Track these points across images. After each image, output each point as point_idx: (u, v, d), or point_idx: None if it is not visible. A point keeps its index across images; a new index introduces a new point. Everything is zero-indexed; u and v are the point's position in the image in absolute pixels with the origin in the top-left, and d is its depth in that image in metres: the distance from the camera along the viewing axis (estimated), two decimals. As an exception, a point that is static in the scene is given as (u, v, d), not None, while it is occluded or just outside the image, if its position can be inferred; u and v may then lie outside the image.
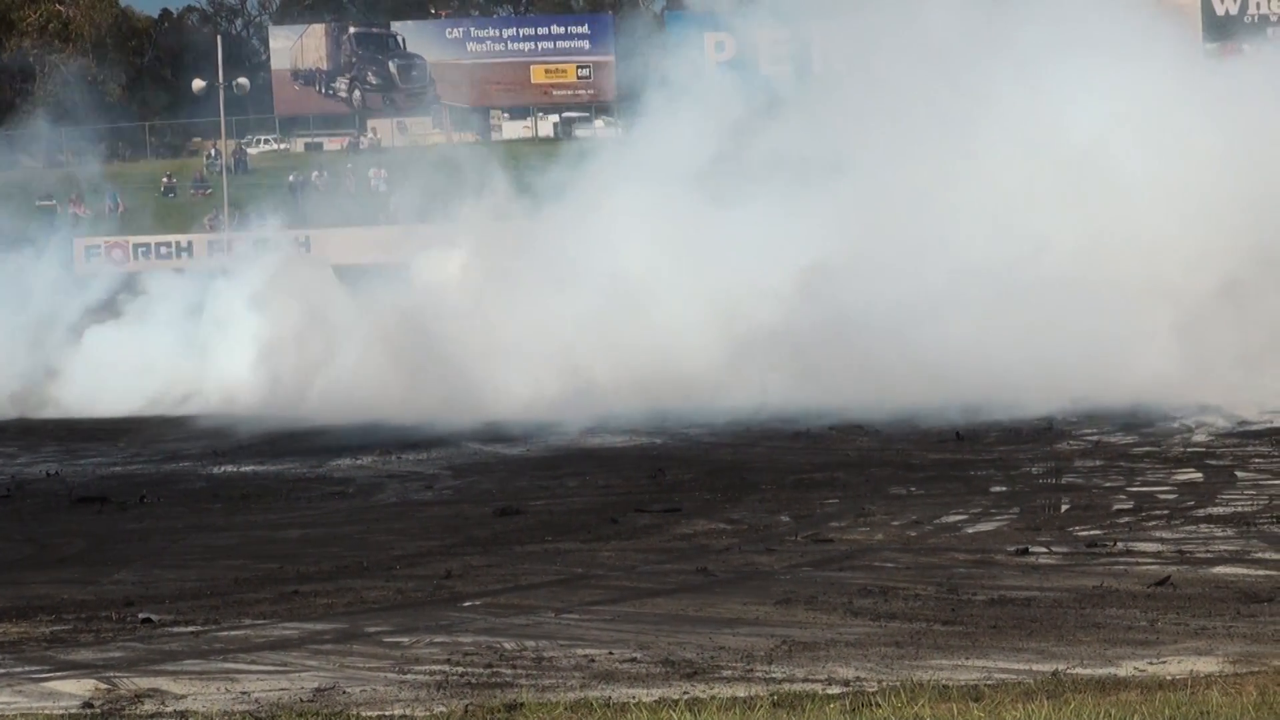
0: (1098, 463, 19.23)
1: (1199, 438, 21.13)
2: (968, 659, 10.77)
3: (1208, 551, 14.08)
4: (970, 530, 15.45)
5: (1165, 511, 16.09)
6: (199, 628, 12.17)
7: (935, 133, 27.77)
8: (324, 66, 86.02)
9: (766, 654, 10.98)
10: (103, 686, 10.62)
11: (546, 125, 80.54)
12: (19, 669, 11.11)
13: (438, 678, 10.59)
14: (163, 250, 49.96)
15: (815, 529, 15.60)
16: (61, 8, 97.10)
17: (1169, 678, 10.08)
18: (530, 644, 11.35)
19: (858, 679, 10.30)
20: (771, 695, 9.90)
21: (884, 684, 10.06)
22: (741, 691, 10.05)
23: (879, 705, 9.46)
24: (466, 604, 12.75)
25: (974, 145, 27.29)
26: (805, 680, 10.32)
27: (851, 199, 27.65)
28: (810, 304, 26.24)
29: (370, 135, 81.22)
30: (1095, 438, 21.28)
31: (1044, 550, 14.26)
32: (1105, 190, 26.54)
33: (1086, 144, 26.56)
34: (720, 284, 27.48)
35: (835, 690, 10.04)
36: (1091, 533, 15.04)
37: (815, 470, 19.20)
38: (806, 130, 28.71)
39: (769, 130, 29.16)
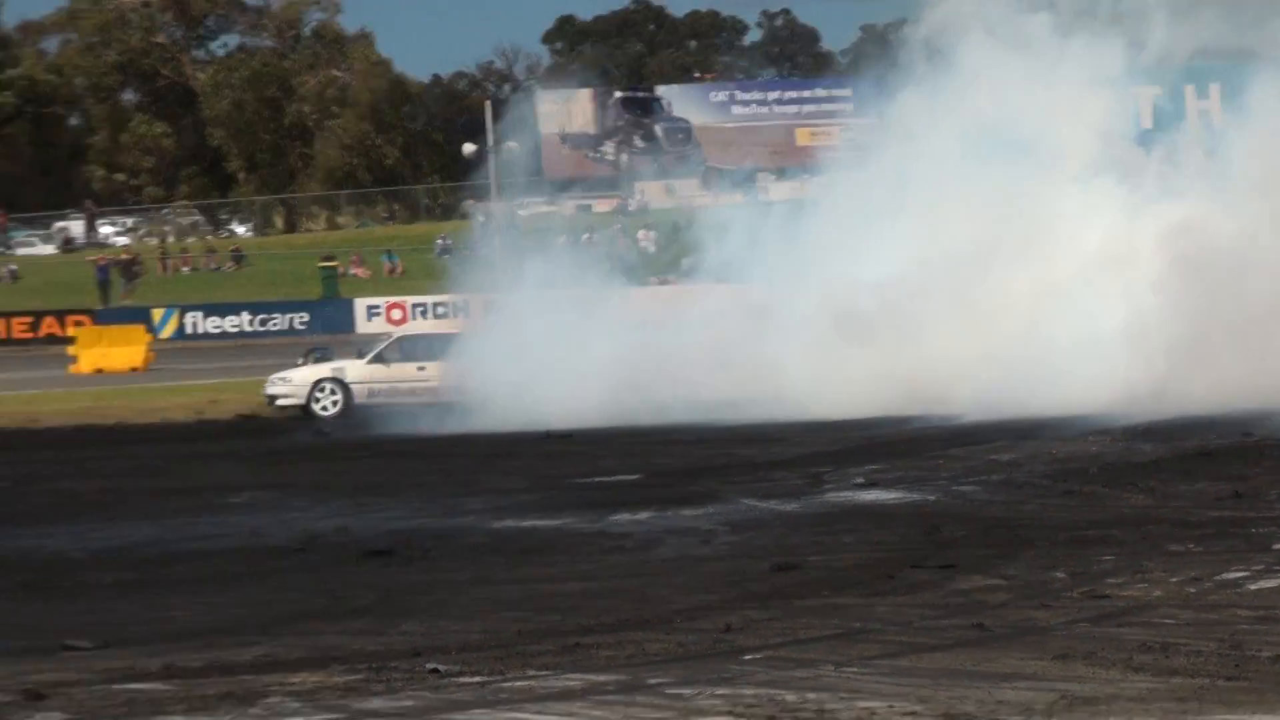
0: (1384, 520, 18.86)
1: None
2: (1254, 714, 10.68)
3: None
4: (1253, 587, 15.26)
5: None
6: (485, 678, 12.44)
7: None
8: (591, 130, 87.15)
9: (1047, 708, 10.99)
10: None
11: (815, 186, 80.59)
12: (316, 717, 11.48)
13: (721, 728, 10.76)
14: (440, 310, 51.10)
15: (1091, 585, 15.52)
16: (339, 74, 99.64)
17: None
18: (811, 696, 11.47)
19: (1141, 733, 10.29)
20: (1054, 748, 9.94)
21: (1168, 739, 10.04)
22: (1023, 745, 10.09)
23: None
24: (747, 657, 12.89)
25: None
26: (1088, 734, 10.33)
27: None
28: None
29: (639, 197, 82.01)
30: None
31: (1330, 608, 14.06)
32: None
33: None
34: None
35: (1118, 744, 10.04)
36: (1379, 590, 14.79)
37: (1089, 527, 19.05)
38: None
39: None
